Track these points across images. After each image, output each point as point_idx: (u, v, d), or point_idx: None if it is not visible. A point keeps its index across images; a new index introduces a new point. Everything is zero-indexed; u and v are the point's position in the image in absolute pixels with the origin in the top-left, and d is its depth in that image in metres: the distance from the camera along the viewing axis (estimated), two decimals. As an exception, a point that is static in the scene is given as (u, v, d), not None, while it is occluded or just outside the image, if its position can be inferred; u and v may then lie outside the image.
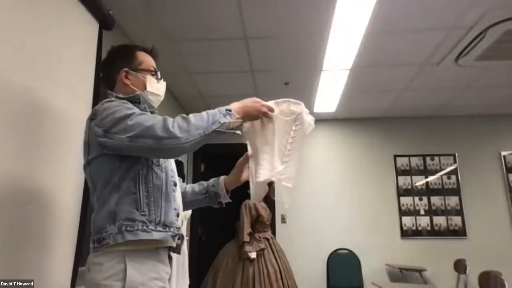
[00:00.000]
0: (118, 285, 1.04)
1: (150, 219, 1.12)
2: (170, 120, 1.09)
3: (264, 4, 2.37)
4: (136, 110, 1.14)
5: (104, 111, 1.14)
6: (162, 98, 1.35)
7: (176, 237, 1.20)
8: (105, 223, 1.10)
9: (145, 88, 1.29)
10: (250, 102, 1.23)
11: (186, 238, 2.45)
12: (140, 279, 1.06)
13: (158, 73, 1.35)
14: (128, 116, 1.10)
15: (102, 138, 1.11)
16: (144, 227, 1.10)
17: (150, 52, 1.36)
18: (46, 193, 1.43)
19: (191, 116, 1.11)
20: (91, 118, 1.17)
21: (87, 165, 1.19)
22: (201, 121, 1.10)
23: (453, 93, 3.93)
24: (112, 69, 1.30)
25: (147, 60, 1.33)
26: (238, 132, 1.20)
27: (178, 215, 1.24)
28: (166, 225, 1.16)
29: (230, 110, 1.16)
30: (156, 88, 1.32)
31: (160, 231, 1.13)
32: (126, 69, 1.28)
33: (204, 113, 1.13)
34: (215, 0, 2.33)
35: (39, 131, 1.41)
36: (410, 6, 2.39)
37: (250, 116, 1.22)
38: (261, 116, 1.24)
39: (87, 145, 1.18)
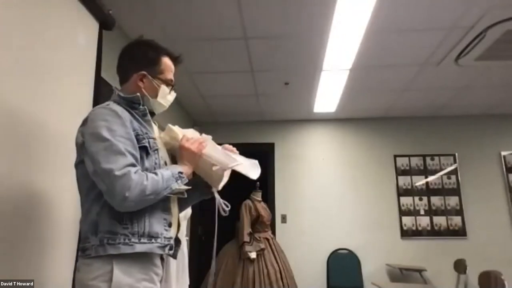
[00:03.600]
0: (104, 286, 1.04)
1: (132, 232, 1.10)
2: (133, 180, 1.06)
3: (264, 4, 2.37)
4: (115, 134, 1.11)
5: (89, 122, 1.14)
6: (166, 108, 1.36)
7: (167, 247, 1.18)
8: (88, 233, 1.11)
9: (156, 96, 1.29)
10: (186, 154, 1.27)
11: (186, 238, 2.45)
12: (127, 280, 1.06)
13: (173, 85, 1.35)
14: (104, 140, 1.09)
15: (80, 149, 1.15)
16: (126, 240, 1.09)
17: (175, 59, 1.35)
18: (45, 193, 1.43)
19: (149, 181, 1.10)
20: (82, 123, 1.18)
21: (75, 168, 1.20)
22: (156, 187, 1.11)
23: (453, 93, 3.93)
24: (132, 65, 1.28)
25: (168, 69, 1.32)
26: (182, 196, 1.26)
27: (170, 225, 1.22)
28: (151, 236, 1.13)
29: (182, 173, 1.20)
30: (165, 99, 1.33)
31: (144, 243, 1.11)
32: (144, 72, 1.27)
33: (160, 178, 1.13)
34: (215, 0, 2.33)
35: (38, 131, 1.41)
36: (410, 6, 2.39)
37: (193, 163, 1.28)
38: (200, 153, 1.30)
39: (76, 148, 1.19)
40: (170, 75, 1.33)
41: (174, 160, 1.35)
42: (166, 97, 1.32)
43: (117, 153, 1.08)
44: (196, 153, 1.28)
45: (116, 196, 1.06)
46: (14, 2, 1.30)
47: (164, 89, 1.30)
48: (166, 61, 1.31)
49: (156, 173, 1.15)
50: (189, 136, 1.33)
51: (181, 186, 1.18)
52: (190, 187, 1.24)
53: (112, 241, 1.08)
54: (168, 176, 1.16)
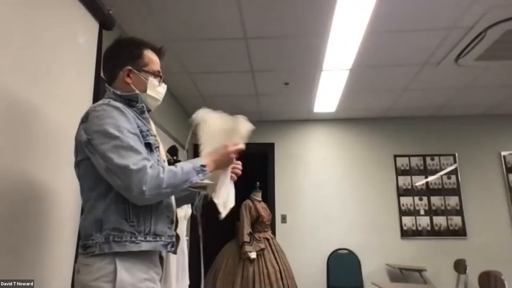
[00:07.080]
0: (108, 286, 1.02)
1: (139, 230, 1.10)
2: (149, 174, 1.05)
3: (264, 4, 2.37)
4: (123, 131, 1.10)
5: (94, 119, 1.12)
6: (160, 102, 1.34)
7: (169, 245, 1.19)
8: (92, 230, 1.09)
9: (145, 90, 1.27)
10: (222, 155, 1.22)
11: (186, 238, 2.45)
12: (131, 280, 1.05)
13: (161, 76, 1.33)
14: (114, 138, 1.07)
15: (85, 147, 1.11)
16: (133, 238, 1.08)
17: (158, 51, 1.33)
18: (45, 192, 1.43)
19: (166, 172, 1.09)
20: (83, 120, 1.15)
21: (76, 166, 1.19)
22: (173, 179, 1.09)
23: (453, 93, 3.93)
24: (115, 63, 1.27)
25: (153, 61, 1.30)
26: (204, 191, 1.24)
27: (172, 222, 1.22)
28: (156, 235, 1.14)
29: (204, 166, 1.16)
30: (156, 92, 1.30)
31: (149, 241, 1.12)
32: (129, 67, 1.25)
33: (179, 170, 1.11)
34: (215, 0, 2.33)
35: (39, 131, 1.42)
36: (410, 6, 2.39)
37: (220, 167, 1.24)
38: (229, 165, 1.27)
39: (77, 146, 1.17)
40: (156, 67, 1.31)
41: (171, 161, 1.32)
42: (156, 89, 1.30)
43: (129, 149, 1.07)
44: (228, 163, 1.26)
45: (133, 191, 1.05)
46: (14, 2, 1.30)
47: (152, 81, 1.28)
48: (149, 54, 1.30)
49: (176, 166, 1.13)
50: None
51: (202, 179, 1.15)
52: (212, 182, 1.21)
53: (119, 239, 1.07)
54: (189, 169, 1.13)
